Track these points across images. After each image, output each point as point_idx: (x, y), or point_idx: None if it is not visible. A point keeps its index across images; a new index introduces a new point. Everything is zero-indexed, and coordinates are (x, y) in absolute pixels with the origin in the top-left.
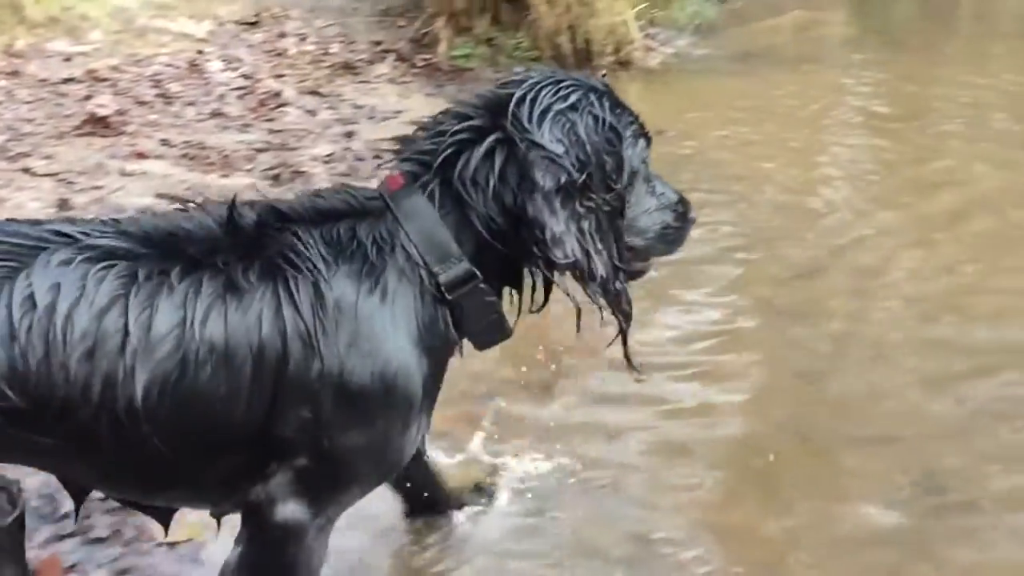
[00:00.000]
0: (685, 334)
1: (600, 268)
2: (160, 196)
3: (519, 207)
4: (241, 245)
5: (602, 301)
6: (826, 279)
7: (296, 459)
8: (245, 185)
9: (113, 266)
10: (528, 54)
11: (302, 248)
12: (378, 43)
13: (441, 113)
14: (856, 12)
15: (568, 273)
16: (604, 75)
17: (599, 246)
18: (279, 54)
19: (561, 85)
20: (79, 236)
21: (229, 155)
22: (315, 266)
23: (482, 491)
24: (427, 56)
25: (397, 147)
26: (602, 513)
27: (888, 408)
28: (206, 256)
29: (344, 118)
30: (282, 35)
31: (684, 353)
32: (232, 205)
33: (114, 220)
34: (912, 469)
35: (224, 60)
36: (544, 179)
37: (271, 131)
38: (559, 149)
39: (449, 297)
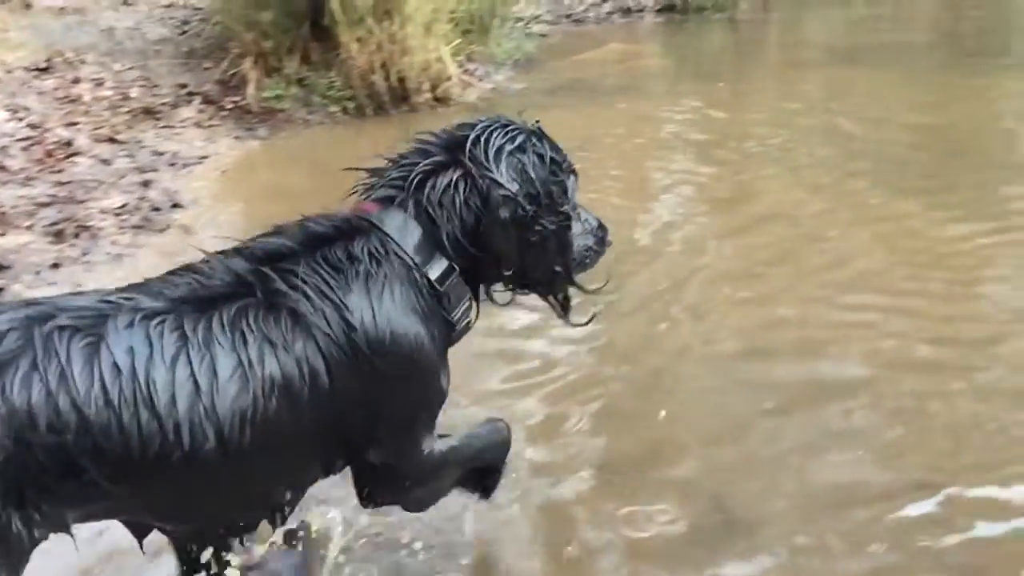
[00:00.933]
0: (483, 384)
1: (539, 276)
2: None
3: (483, 234)
4: (259, 294)
5: (547, 299)
6: (639, 313)
7: (372, 443)
8: (22, 243)
9: (164, 321)
10: (342, 94)
11: (313, 282)
12: (183, 86)
13: (405, 150)
14: (669, 44)
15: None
16: (537, 122)
17: (538, 260)
18: (73, 101)
19: (507, 128)
20: (124, 302)
21: (6, 212)
22: (329, 294)
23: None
24: (236, 98)
25: (369, 176)
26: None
27: (691, 450)
28: (238, 314)
29: (142, 166)
30: (76, 80)
31: (476, 402)
32: (228, 259)
33: (141, 284)
34: (712, 509)
35: (9, 109)
36: (503, 213)
37: (58, 183)
38: (514, 188)
39: (441, 289)
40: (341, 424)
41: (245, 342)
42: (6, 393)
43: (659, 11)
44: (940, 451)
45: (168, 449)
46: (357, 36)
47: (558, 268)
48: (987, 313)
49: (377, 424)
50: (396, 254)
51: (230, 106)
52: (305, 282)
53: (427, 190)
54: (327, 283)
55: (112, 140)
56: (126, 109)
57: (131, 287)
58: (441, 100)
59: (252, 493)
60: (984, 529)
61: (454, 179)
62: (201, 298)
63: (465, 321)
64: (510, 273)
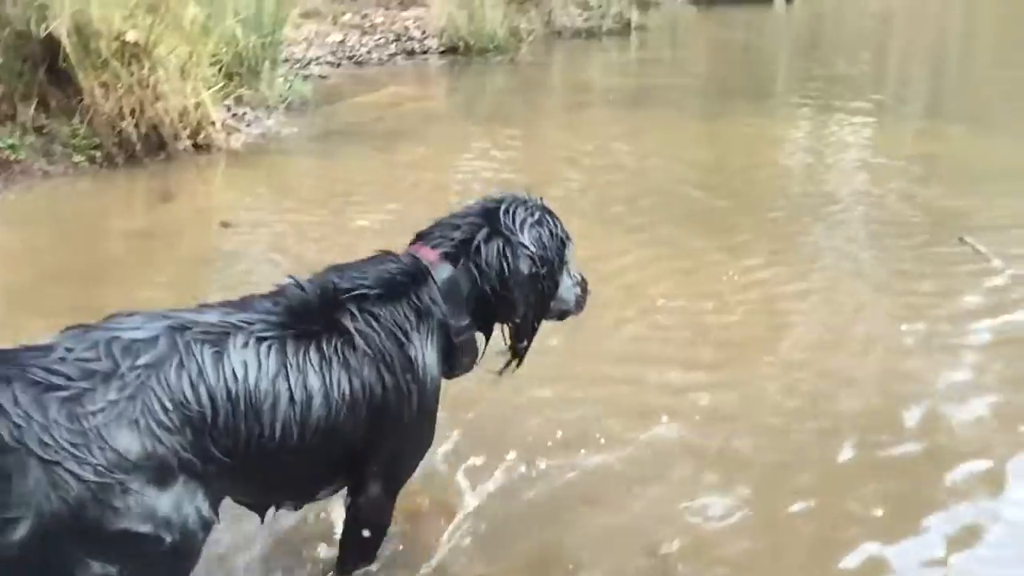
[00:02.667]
0: None
1: (529, 328)
2: None
3: (505, 285)
4: (344, 330)
5: (519, 344)
6: None
7: (379, 459)
8: None
9: (271, 345)
10: (87, 142)
11: (385, 323)
12: None
13: (453, 215)
14: (451, 86)
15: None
16: (541, 199)
17: (532, 315)
18: None
19: (527, 205)
20: (243, 324)
21: None
22: (398, 335)
23: None
24: None
25: (426, 230)
26: None
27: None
28: (327, 344)
29: None
30: None
31: None
32: (326, 303)
33: (253, 305)
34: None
35: None
36: (524, 268)
37: None
38: (533, 249)
39: (456, 341)
40: (369, 438)
41: (330, 367)
42: (169, 381)
43: (443, 53)
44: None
45: (262, 441)
46: (101, 80)
47: (536, 325)
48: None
49: (390, 447)
50: (440, 310)
51: None
52: (380, 322)
53: (473, 250)
54: (396, 324)
55: None
56: None
57: (245, 305)
58: (202, 147)
59: (307, 481)
60: None
61: (498, 244)
62: (300, 328)
63: (465, 365)
64: (518, 322)
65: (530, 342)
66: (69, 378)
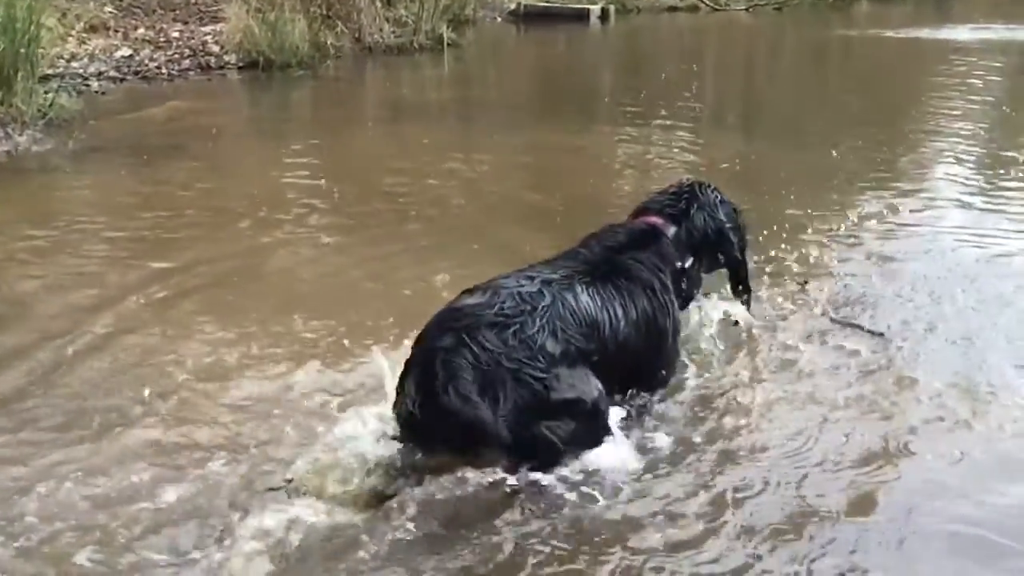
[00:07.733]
0: None
1: (745, 272)
2: None
3: (724, 249)
4: (623, 271)
5: (744, 283)
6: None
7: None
8: None
9: (594, 286)
10: None
11: (649, 265)
12: None
13: (661, 194)
14: (245, 102)
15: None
16: (713, 187)
17: (742, 265)
18: None
19: (710, 188)
20: (575, 274)
21: None
22: (655, 271)
23: None
24: None
25: (648, 206)
26: None
27: None
28: (616, 280)
29: None
30: None
31: None
32: (608, 255)
33: (567, 261)
34: None
35: None
36: (731, 237)
37: None
38: (730, 223)
39: (686, 272)
40: (648, 354)
41: (633, 297)
42: (560, 314)
43: (242, 69)
44: None
45: (604, 348)
46: None
47: (744, 268)
48: None
49: (659, 359)
50: (673, 255)
51: None
52: (643, 268)
53: (691, 217)
54: (655, 265)
55: None
56: None
57: (564, 262)
58: None
59: (623, 377)
60: None
61: (698, 213)
62: (601, 273)
63: (695, 295)
64: (742, 263)
65: (748, 281)
66: (511, 317)
